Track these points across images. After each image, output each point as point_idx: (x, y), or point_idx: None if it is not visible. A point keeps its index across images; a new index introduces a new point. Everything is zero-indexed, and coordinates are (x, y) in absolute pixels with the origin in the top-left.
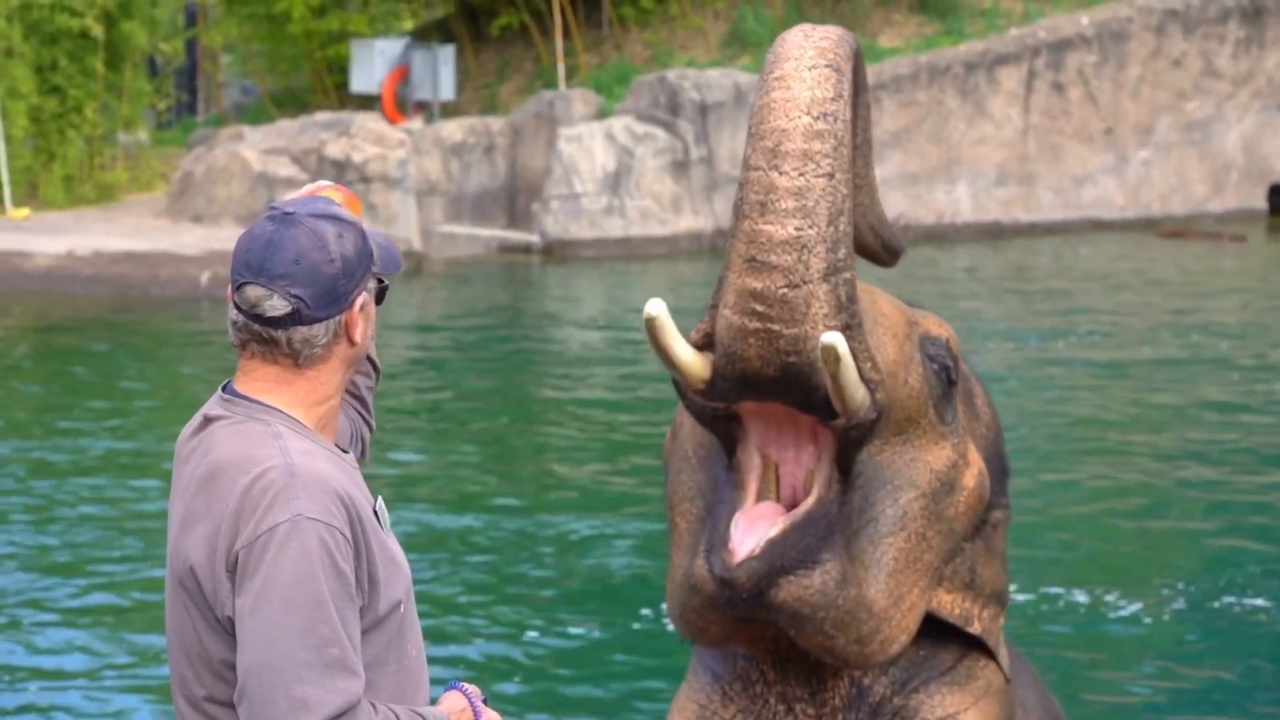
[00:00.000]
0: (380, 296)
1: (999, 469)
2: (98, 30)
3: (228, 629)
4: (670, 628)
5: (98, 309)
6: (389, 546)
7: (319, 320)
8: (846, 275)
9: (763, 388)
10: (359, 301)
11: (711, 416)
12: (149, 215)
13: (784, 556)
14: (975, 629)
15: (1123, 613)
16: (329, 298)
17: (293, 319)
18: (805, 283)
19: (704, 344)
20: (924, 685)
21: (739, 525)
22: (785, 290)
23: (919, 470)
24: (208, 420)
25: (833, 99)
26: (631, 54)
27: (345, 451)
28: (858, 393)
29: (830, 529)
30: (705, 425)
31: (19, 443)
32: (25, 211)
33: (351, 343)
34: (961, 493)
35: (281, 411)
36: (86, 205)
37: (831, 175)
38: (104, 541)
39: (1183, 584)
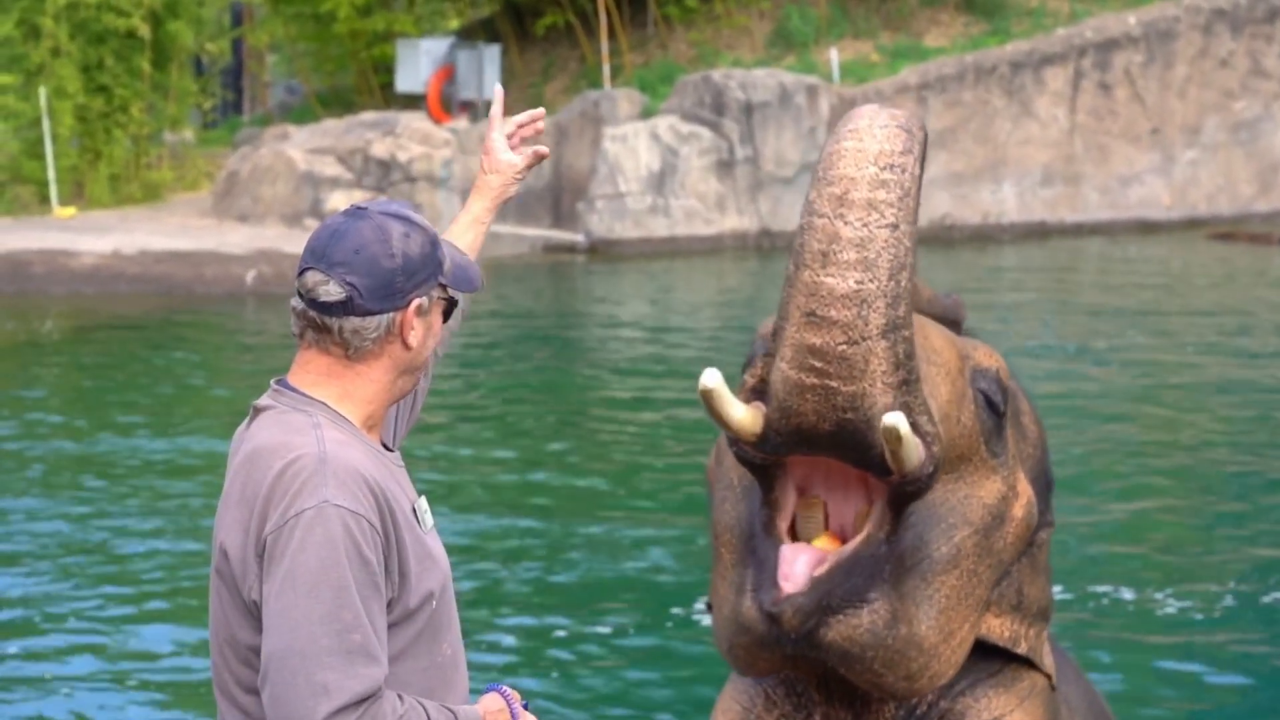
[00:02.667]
0: (448, 314)
1: (1044, 485)
2: (144, 30)
3: (255, 613)
4: (705, 621)
5: (143, 308)
6: (425, 542)
7: (372, 313)
8: (906, 332)
9: (817, 443)
10: (415, 303)
11: (760, 465)
12: (194, 214)
13: (831, 595)
14: (1023, 649)
15: (1170, 610)
16: (384, 291)
17: (345, 307)
18: (864, 339)
19: (756, 393)
20: (970, 689)
21: (784, 563)
22: (844, 347)
23: (971, 506)
24: (256, 411)
25: (902, 152)
26: (676, 53)
27: (390, 450)
28: (915, 457)
29: (879, 566)
30: (747, 468)
31: (64, 440)
32: (71, 210)
33: (406, 345)
34: (1011, 523)
35: (327, 405)
36: (132, 204)
37: (896, 226)
38: (146, 538)
39: (1233, 582)
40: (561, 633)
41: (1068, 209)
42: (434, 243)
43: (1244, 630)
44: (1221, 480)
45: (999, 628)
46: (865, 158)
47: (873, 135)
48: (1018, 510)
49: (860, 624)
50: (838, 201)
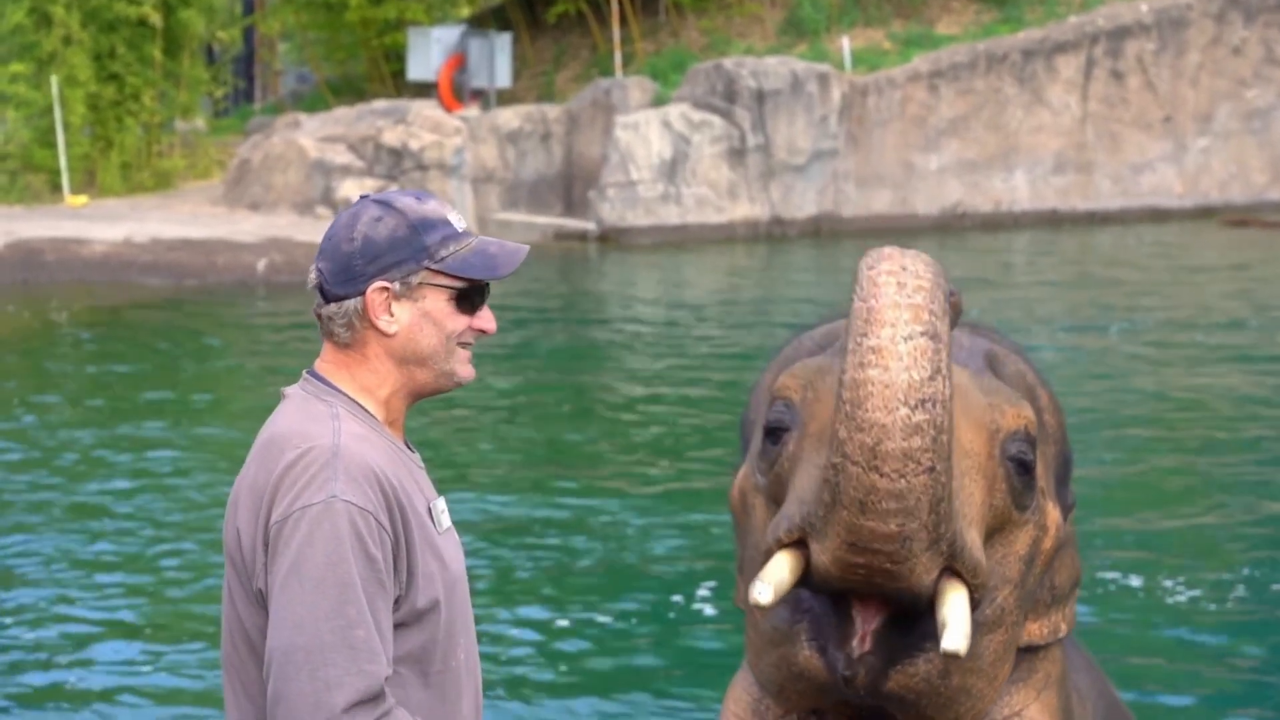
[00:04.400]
0: (462, 301)
1: (1064, 471)
2: (156, 18)
3: (261, 602)
4: (710, 610)
5: (154, 296)
6: (438, 544)
7: (338, 298)
8: (949, 538)
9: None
10: (375, 285)
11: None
12: (206, 203)
13: (893, 647)
14: (1062, 633)
15: (1180, 599)
16: (344, 275)
17: (320, 293)
18: (910, 557)
19: (776, 484)
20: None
21: (858, 624)
22: (889, 565)
23: (1009, 564)
24: (283, 397)
25: (931, 377)
26: (688, 41)
27: (412, 450)
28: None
29: (930, 622)
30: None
31: (76, 428)
32: (83, 199)
33: (380, 331)
34: (1042, 556)
35: (349, 396)
36: (144, 192)
37: (933, 469)
38: (157, 528)
39: (1245, 569)
40: (567, 620)
41: (1080, 197)
42: (415, 227)
43: (1255, 618)
44: (1232, 468)
45: (1038, 630)
46: (895, 395)
47: (898, 358)
48: (1047, 542)
49: (917, 673)
50: (870, 453)
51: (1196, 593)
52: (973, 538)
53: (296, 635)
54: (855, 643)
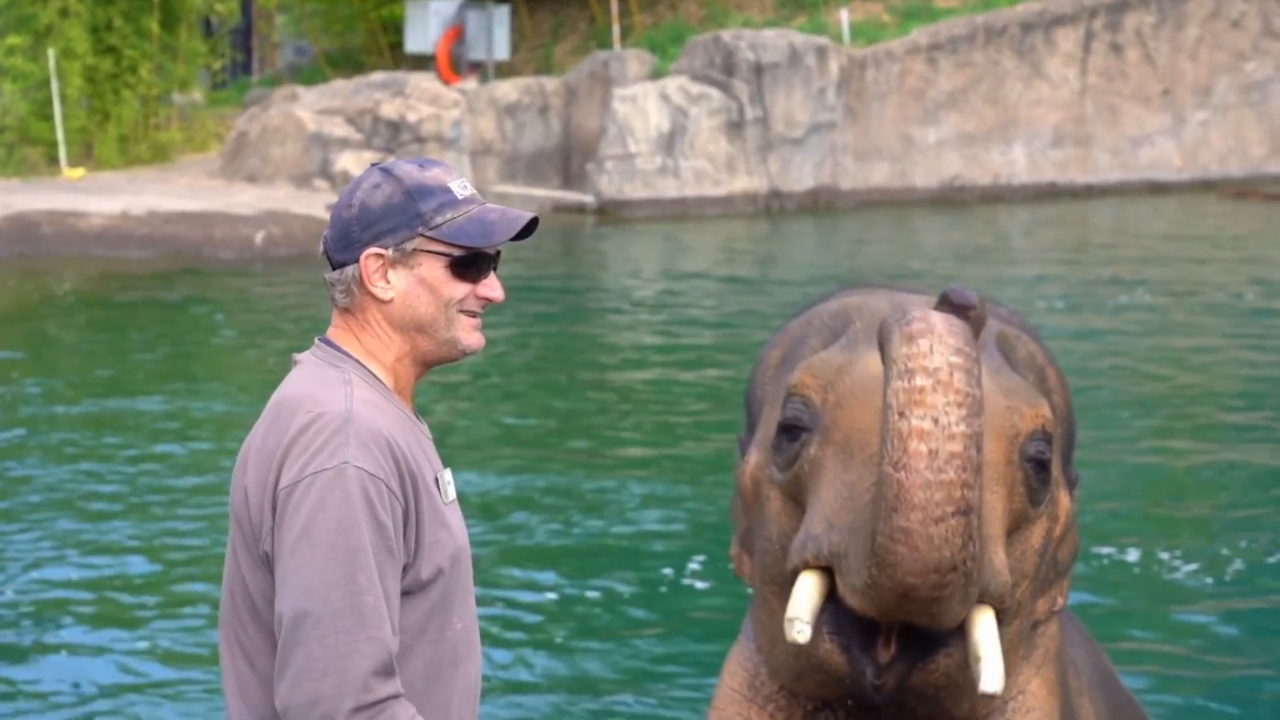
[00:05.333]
0: (461, 269)
1: (1069, 448)
2: None
3: (266, 564)
4: (701, 585)
5: (152, 269)
6: (444, 514)
7: (339, 264)
8: (982, 583)
9: None
10: (369, 252)
11: None
12: (203, 175)
13: (916, 648)
14: (1059, 606)
15: (1176, 573)
16: (343, 242)
17: (326, 260)
18: (945, 613)
19: (793, 487)
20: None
21: (885, 638)
22: (924, 619)
23: (1026, 560)
24: (296, 363)
25: (963, 546)
26: (686, 13)
27: (420, 420)
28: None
29: None
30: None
31: (74, 402)
32: (80, 171)
33: (376, 299)
34: (1052, 545)
35: (358, 361)
36: (141, 165)
37: (967, 573)
38: (156, 498)
39: (1243, 543)
40: (556, 594)
41: (1078, 170)
42: (411, 193)
43: (1252, 593)
44: (1231, 441)
45: (1044, 607)
46: (924, 566)
47: (927, 539)
48: (1058, 529)
49: (938, 668)
50: (902, 598)
51: (1194, 567)
52: (999, 561)
53: (307, 601)
54: (880, 649)
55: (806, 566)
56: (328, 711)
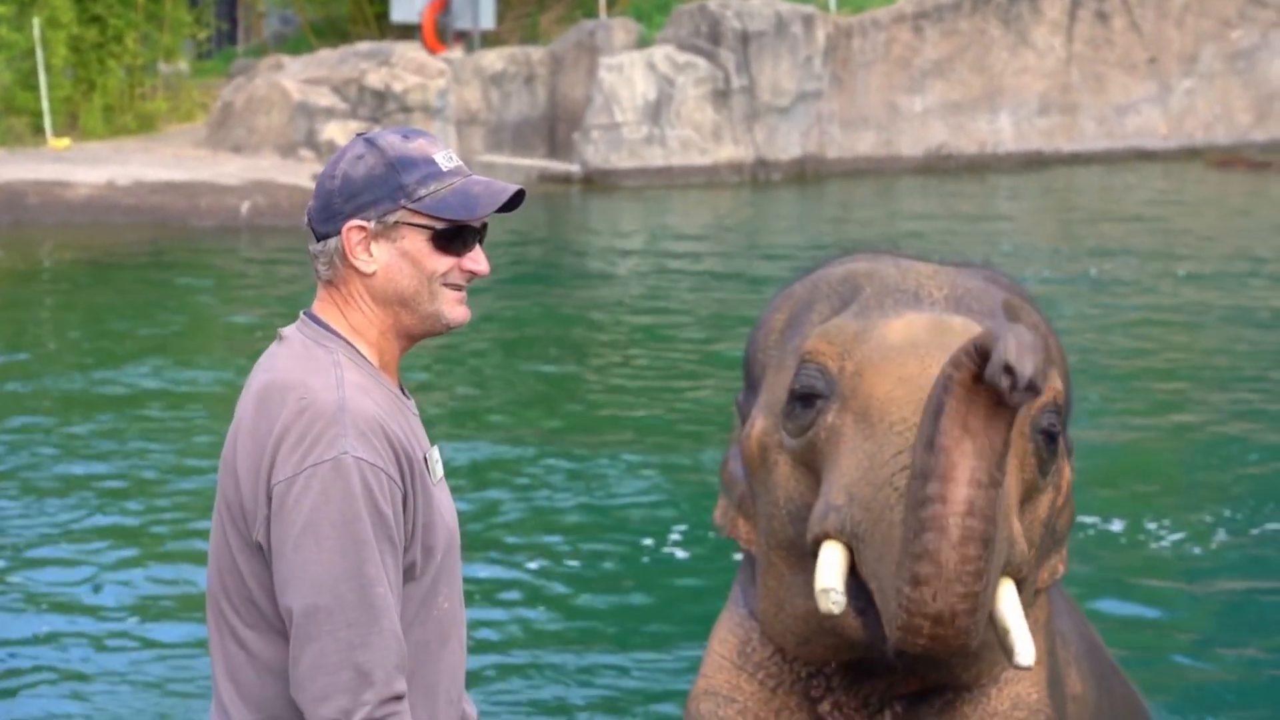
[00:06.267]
0: (444, 242)
1: (1067, 420)
2: None
3: (260, 553)
4: (681, 555)
5: (138, 239)
6: (434, 494)
7: (322, 236)
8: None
9: None
10: (351, 224)
11: None
12: (189, 145)
13: None
14: (1059, 574)
15: (1162, 543)
16: (326, 214)
17: (310, 230)
18: (972, 640)
19: (807, 453)
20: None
21: None
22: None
23: (1034, 530)
24: (281, 338)
25: (977, 608)
26: None
27: (407, 397)
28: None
29: None
30: None
31: (59, 372)
32: (66, 141)
33: (359, 272)
34: (1054, 514)
35: (344, 339)
36: (126, 135)
37: (985, 600)
38: (142, 470)
39: (1227, 512)
40: (536, 563)
41: (1064, 138)
42: (393, 165)
43: (1236, 563)
44: (1216, 409)
45: (1044, 576)
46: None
47: (950, 591)
48: (1060, 499)
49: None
50: (930, 639)
51: (1179, 537)
52: (1016, 531)
53: (316, 595)
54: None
55: (828, 537)
56: (344, 706)
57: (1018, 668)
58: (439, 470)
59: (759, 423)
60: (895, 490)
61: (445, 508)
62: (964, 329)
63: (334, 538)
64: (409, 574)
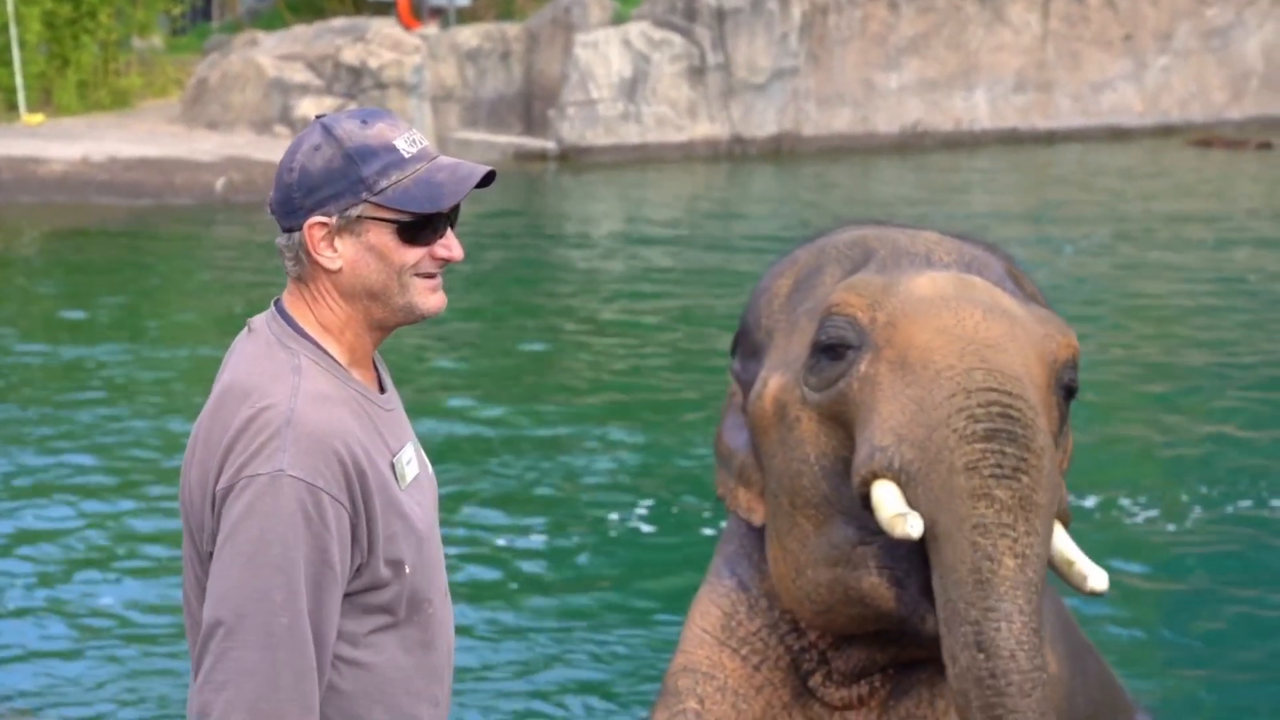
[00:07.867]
0: (411, 233)
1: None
2: None
3: (209, 560)
4: (648, 529)
5: (112, 215)
6: (401, 504)
7: (286, 230)
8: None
9: None
10: (313, 220)
11: None
12: (164, 121)
13: None
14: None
15: (1137, 519)
16: (285, 208)
17: (275, 224)
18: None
19: (830, 409)
20: None
21: None
22: None
23: None
24: (250, 329)
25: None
26: None
27: (383, 391)
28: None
29: None
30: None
31: (32, 348)
32: (40, 117)
33: (323, 268)
34: (1059, 474)
35: (311, 339)
36: (101, 111)
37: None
38: (116, 450)
39: (1203, 489)
40: (505, 539)
41: (1040, 115)
42: (351, 156)
43: (1212, 540)
44: (1192, 386)
45: None
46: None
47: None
48: (1064, 460)
49: None
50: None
51: (1153, 514)
52: (1058, 477)
53: (221, 609)
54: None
55: (876, 477)
56: None
57: (1093, 594)
58: (410, 472)
59: (774, 381)
60: (953, 432)
61: (417, 515)
62: (986, 288)
63: (248, 555)
64: (376, 585)
